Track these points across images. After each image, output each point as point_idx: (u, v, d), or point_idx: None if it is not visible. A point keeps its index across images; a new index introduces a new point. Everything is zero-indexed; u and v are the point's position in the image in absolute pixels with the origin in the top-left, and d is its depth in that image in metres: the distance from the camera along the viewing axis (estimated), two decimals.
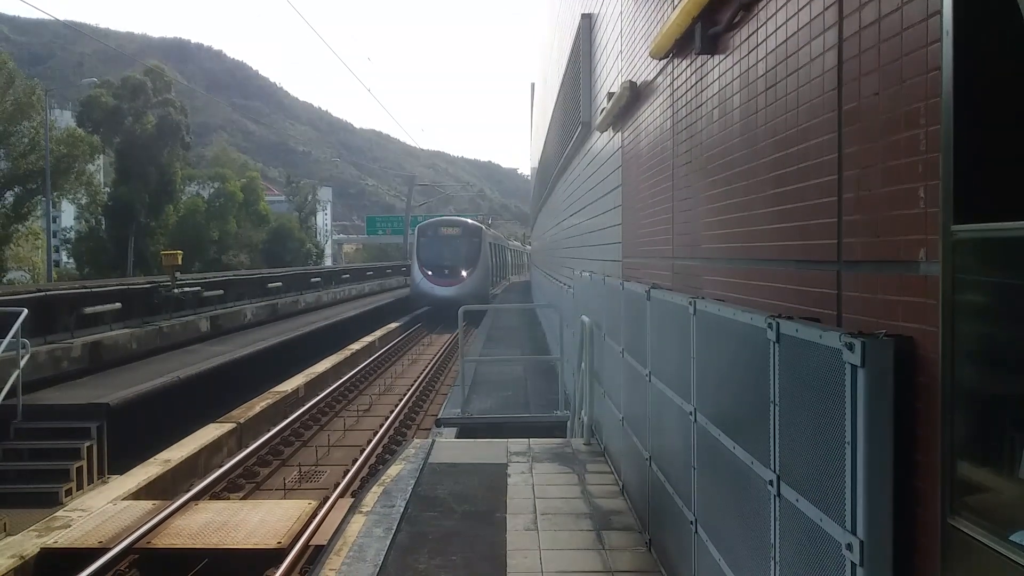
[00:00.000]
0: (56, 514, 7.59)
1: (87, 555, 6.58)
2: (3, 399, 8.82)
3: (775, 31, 3.21)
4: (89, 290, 15.04)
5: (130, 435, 10.09)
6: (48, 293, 13.67)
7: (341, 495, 8.58)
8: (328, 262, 79.75)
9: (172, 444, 9.98)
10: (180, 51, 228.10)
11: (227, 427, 11.08)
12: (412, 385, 16.48)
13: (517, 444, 8.56)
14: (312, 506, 7.90)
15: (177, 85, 61.69)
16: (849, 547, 2.20)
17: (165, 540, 7.07)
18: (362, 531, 5.88)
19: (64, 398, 10.31)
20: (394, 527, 5.96)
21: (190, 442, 10.17)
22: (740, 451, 3.25)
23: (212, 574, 7.08)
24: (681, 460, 4.40)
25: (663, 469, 4.98)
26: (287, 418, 12.37)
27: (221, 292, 20.22)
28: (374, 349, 21.59)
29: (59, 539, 6.93)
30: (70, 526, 7.23)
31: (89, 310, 13.78)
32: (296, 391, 14.39)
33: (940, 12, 1.99)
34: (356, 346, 20.71)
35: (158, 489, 8.63)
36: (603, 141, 8.51)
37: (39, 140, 38.84)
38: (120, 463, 9.49)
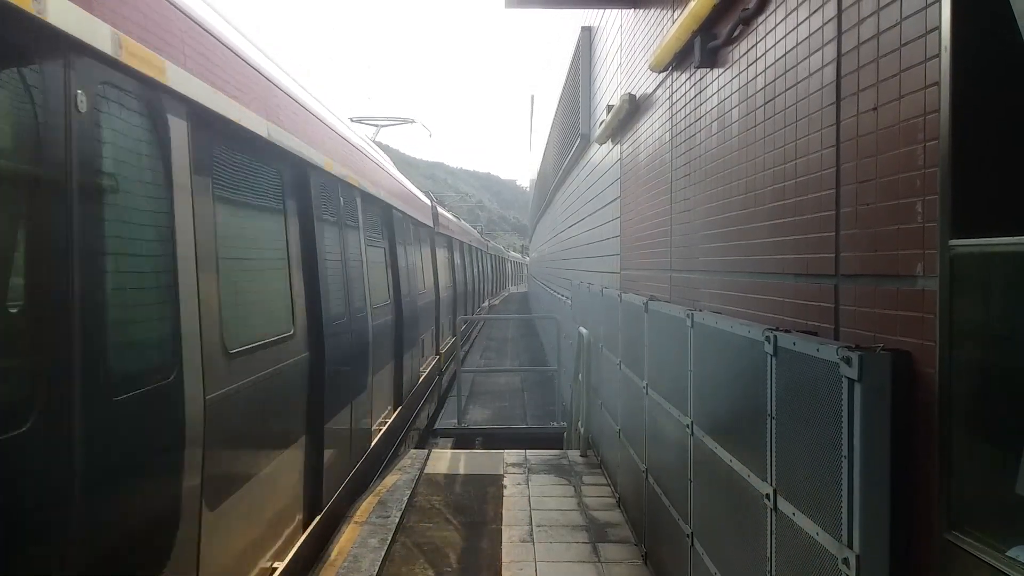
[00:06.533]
0: None
1: None
2: None
3: (774, 45, 3.23)
4: None
5: None
6: None
7: None
8: None
9: None
10: None
11: None
12: None
13: (513, 455, 8.54)
14: None
15: None
16: (846, 561, 2.19)
17: None
18: (357, 541, 5.85)
19: None
20: (389, 537, 5.93)
21: None
22: (737, 464, 3.25)
23: None
24: (678, 473, 4.39)
25: (660, 481, 4.97)
26: None
27: None
28: None
29: None
30: None
31: None
32: None
33: (939, 28, 2.00)
34: None
35: None
36: (602, 153, 8.54)
37: None
38: None
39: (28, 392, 2.29)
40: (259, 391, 4.34)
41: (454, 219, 22.20)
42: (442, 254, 16.44)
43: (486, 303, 32.58)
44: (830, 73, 2.67)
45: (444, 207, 21.24)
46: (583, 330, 8.60)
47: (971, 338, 1.96)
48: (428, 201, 14.68)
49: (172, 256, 3.31)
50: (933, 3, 2.03)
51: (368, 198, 8.07)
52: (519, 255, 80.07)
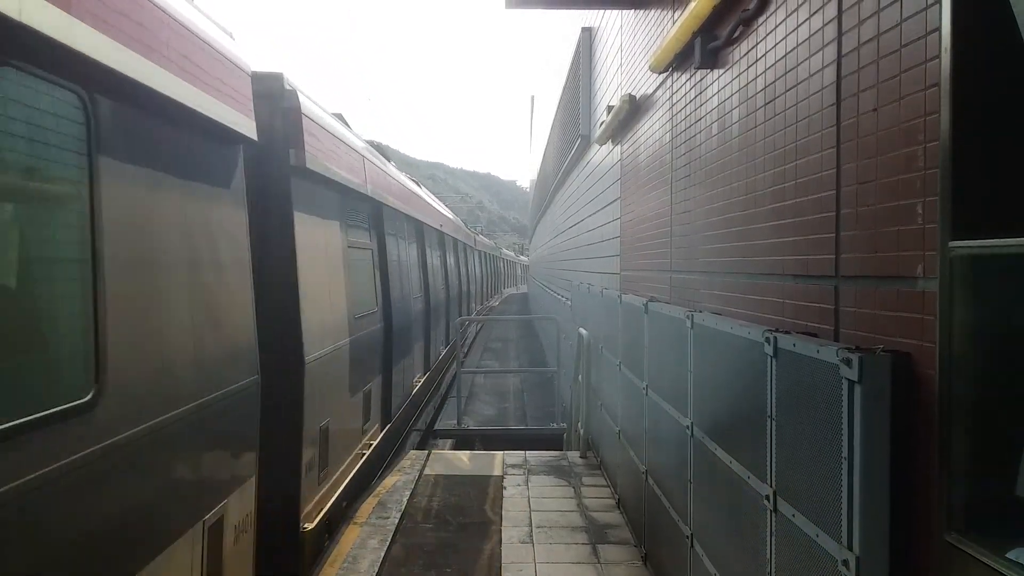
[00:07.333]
0: None
1: None
2: None
3: (774, 46, 3.23)
4: None
5: None
6: None
7: None
8: None
9: None
10: None
11: None
12: None
13: (513, 456, 8.54)
14: None
15: None
16: (845, 563, 2.19)
17: None
18: (356, 542, 5.85)
19: None
20: (389, 539, 5.93)
21: None
22: (736, 465, 3.24)
23: None
24: (677, 474, 4.38)
25: (659, 483, 4.96)
26: None
27: None
28: None
29: None
30: None
31: None
32: None
33: (939, 29, 2.00)
34: None
35: None
36: (602, 154, 8.53)
37: None
38: None
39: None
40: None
41: (403, 180, 11.00)
42: (358, 240, 7.79)
43: (477, 306, 27.30)
44: (830, 74, 2.67)
45: (386, 158, 10.15)
46: (583, 331, 8.59)
47: (971, 340, 1.95)
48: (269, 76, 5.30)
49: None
50: (933, 4, 2.03)
51: None
52: (512, 253, 78.03)
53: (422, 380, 11.58)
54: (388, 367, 8.90)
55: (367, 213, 8.30)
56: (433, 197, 16.86)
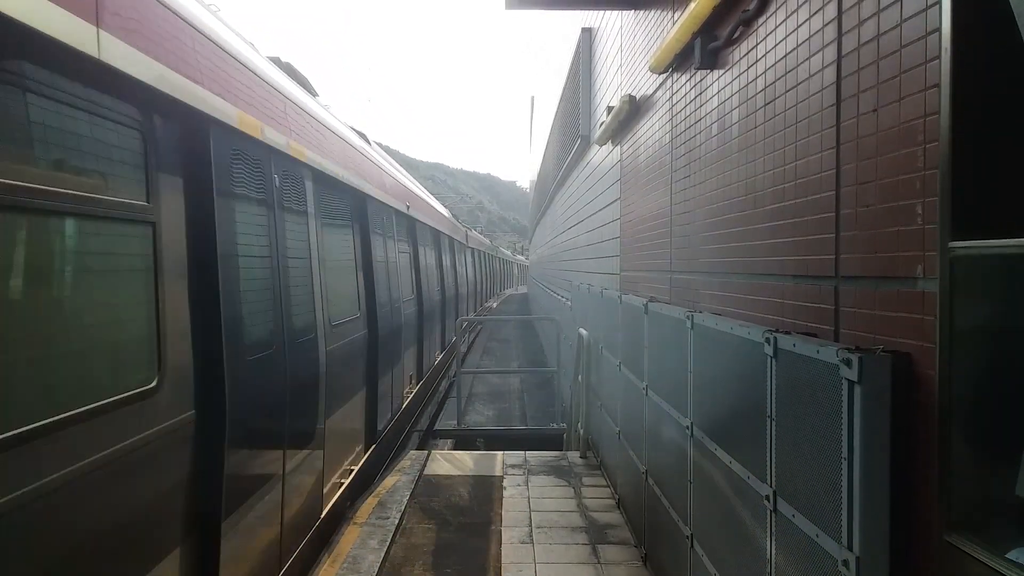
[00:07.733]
0: None
1: None
2: None
3: (774, 47, 3.23)
4: None
5: None
6: None
7: None
8: None
9: None
10: None
11: None
12: None
13: (513, 456, 8.54)
14: None
15: None
16: (845, 563, 2.19)
17: None
18: (356, 543, 5.85)
19: None
20: (388, 539, 5.93)
21: None
22: (737, 466, 3.24)
23: None
24: (677, 474, 4.38)
25: (659, 483, 4.96)
26: None
27: None
28: None
29: None
30: None
31: None
32: None
33: (939, 30, 2.00)
34: None
35: None
36: (602, 154, 8.53)
37: None
38: None
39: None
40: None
41: (326, 119, 6.23)
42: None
43: (471, 312, 23.97)
44: (830, 75, 2.67)
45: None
46: (583, 331, 8.60)
47: (971, 340, 1.95)
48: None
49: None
50: (933, 4, 2.03)
51: None
52: (508, 252, 77.11)
53: (361, 463, 7.22)
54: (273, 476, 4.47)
55: (205, 150, 3.68)
56: (406, 174, 12.57)
